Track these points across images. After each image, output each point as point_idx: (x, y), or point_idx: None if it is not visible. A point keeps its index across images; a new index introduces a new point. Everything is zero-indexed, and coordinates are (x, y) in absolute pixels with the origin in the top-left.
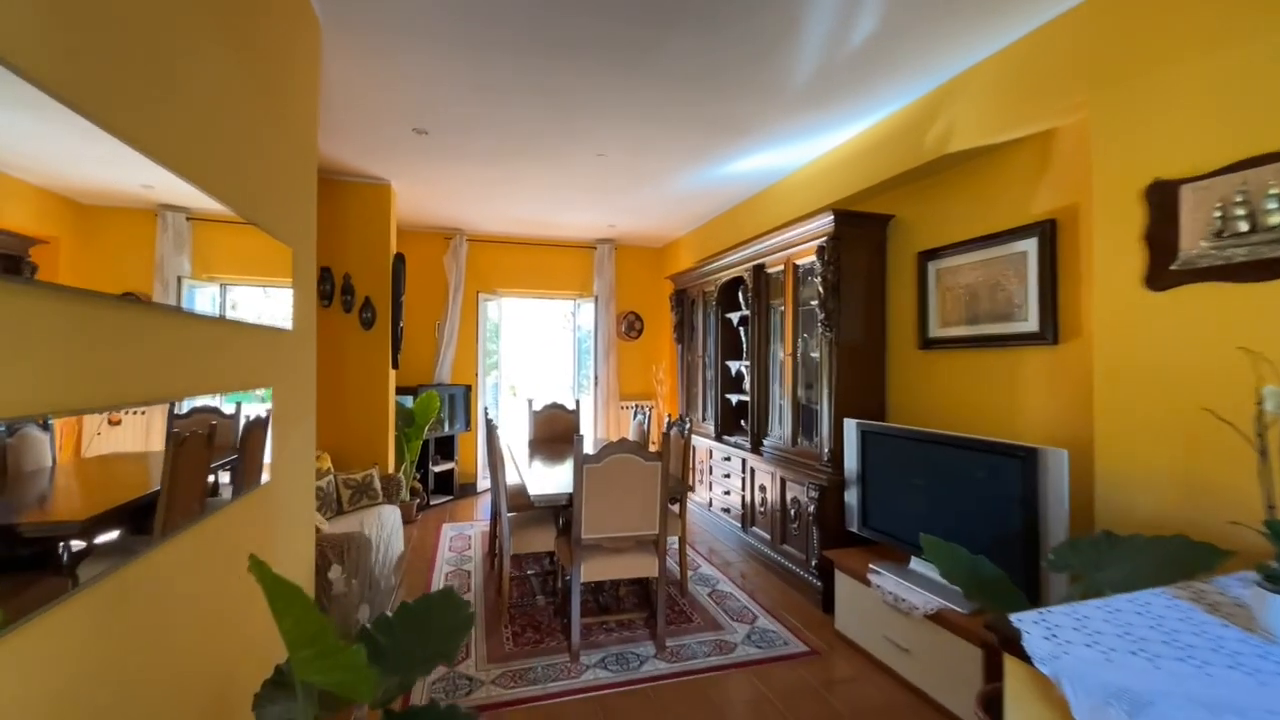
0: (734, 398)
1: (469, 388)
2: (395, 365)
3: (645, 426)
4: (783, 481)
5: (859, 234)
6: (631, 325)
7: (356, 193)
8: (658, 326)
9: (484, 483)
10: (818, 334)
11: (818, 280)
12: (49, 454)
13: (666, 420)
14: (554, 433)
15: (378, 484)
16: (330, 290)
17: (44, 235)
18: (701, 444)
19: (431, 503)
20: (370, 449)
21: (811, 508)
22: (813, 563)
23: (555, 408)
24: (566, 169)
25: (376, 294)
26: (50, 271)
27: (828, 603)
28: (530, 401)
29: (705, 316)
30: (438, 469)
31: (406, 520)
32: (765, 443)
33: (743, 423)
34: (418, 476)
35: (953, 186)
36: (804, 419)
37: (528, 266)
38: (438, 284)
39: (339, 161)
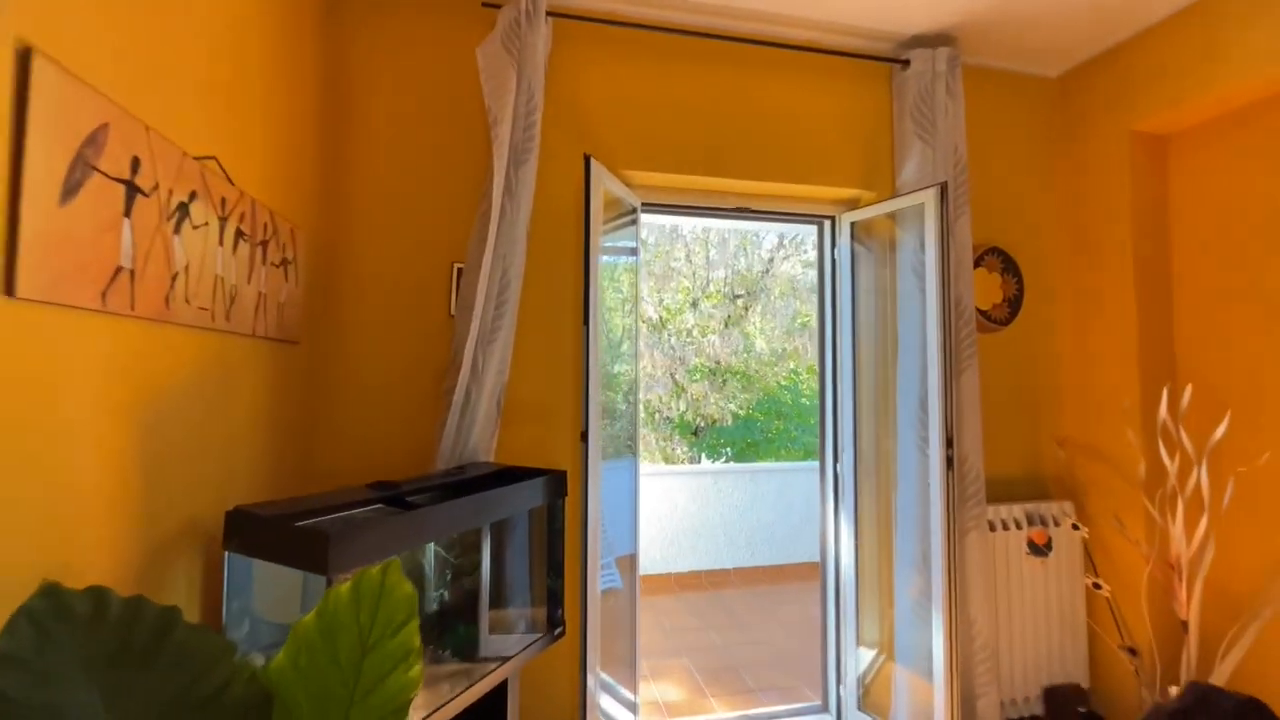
0: None
1: (562, 481)
2: None
3: None
4: None
5: None
6: (999, 293)
7: None
8: (1078, 285)
9: None
10: None
11: None
12: None
13: None
14: None
15: None
16: None
17: None
18: None
19: None
20: None
21: None
22: None
23: None
24: None
25: None
26: None
27: None
28: None
29: None
30: None
31: None
32: None
33: None
34: None
35: None
36: None
37: (716, 118)
38: (459, 146)
39: None
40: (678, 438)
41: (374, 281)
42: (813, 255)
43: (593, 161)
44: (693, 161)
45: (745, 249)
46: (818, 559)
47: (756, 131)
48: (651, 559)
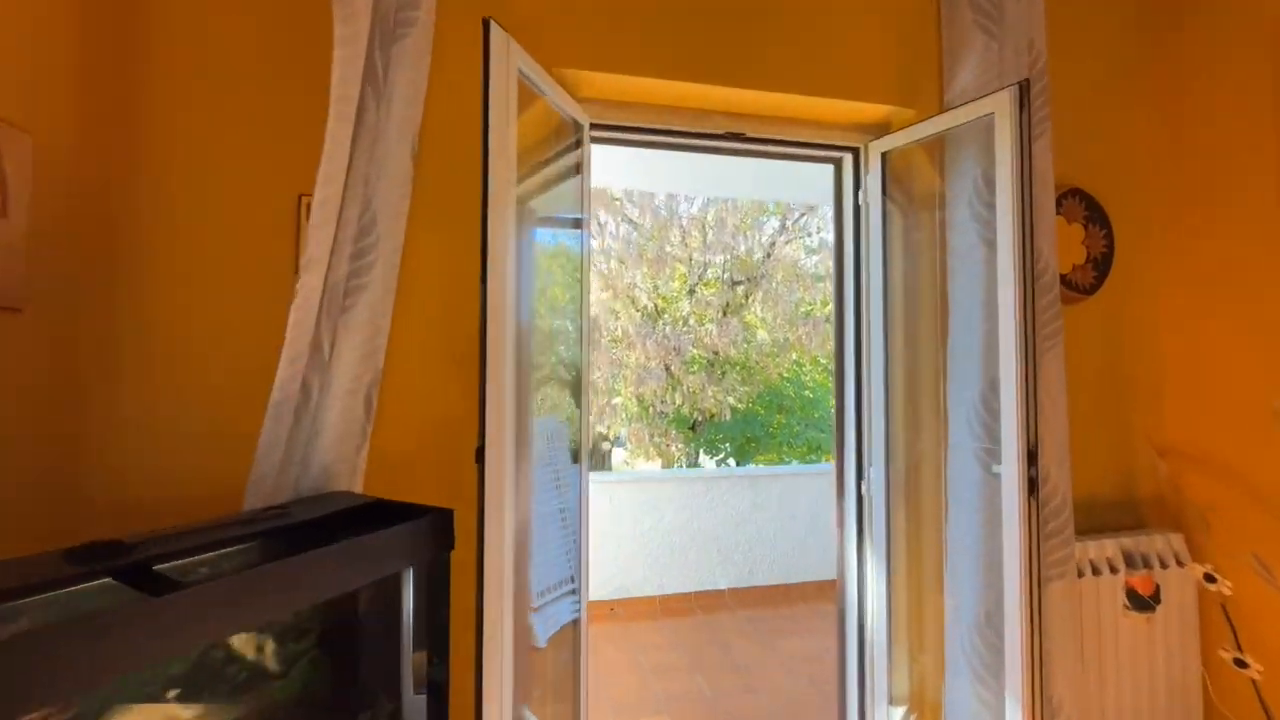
0: None
1: (446, 525)
2: None
3: None
4: None
5: None
6: (1082, 250)
7: None
8: (1190, 238)
9: None
10: None
11: None
12: None
13: None
14: None
15: None
16: None
17: None
18: None
19: None
20: None
21: None
22: None
23: None
24: None
25: None
26: None
27: None
28: None
29: None
30: None
31: None
32: None
33: None
34: None
35: None
36: None
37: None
38: (319, 23)
39: None
40: (673, 433)
41: (175, 222)
42: (816, 240)
43: (495, 28)
44: (664, 60)
45: (745, 232)
46: (824, 578)
47: (755, 18)
48: (633, 579)
